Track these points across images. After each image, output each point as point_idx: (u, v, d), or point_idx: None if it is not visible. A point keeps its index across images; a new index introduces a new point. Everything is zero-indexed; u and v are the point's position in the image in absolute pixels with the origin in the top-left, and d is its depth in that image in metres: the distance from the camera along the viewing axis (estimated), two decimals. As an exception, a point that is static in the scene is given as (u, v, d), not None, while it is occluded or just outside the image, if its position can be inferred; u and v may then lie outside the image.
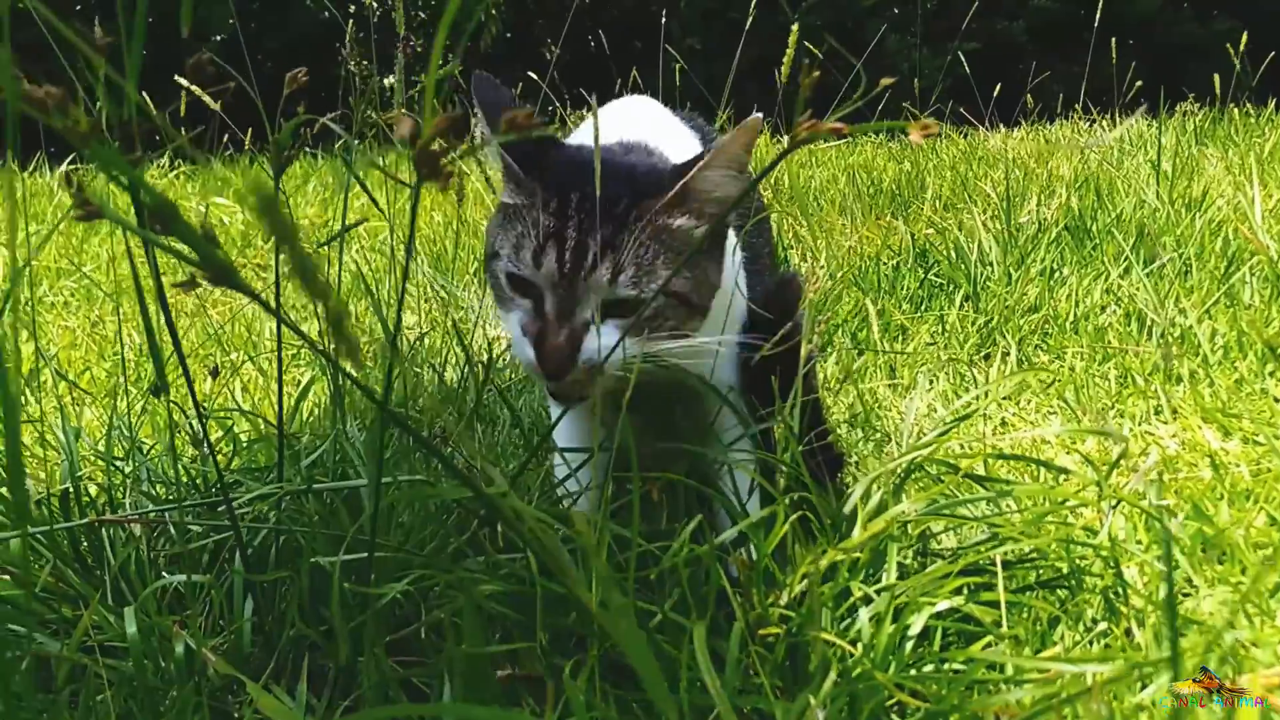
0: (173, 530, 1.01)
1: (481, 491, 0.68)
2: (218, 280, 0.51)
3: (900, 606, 0.88)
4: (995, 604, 0.92)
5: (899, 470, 1.00)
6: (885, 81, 0.66)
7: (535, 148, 1.06)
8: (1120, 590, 0.99)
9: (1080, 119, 5.49)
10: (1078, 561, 1.04)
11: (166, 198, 0.50)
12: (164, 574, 1.01)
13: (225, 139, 5.63)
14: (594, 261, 0.98)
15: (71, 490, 1.04)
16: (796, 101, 0.66)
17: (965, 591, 0.93)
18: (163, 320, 0.73)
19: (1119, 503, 1.10)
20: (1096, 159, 3.62)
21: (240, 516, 0.89)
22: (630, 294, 0.99)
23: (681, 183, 1.01)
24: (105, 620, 0.92)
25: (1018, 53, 8.63)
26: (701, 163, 1.01)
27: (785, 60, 0.87)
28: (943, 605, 0.89)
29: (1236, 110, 5.08)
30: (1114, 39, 4.05)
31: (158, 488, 1.18)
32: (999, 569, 0.91)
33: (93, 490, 1.14)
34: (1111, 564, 1.01)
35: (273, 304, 0.62)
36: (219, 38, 7.82)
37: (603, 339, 0.98)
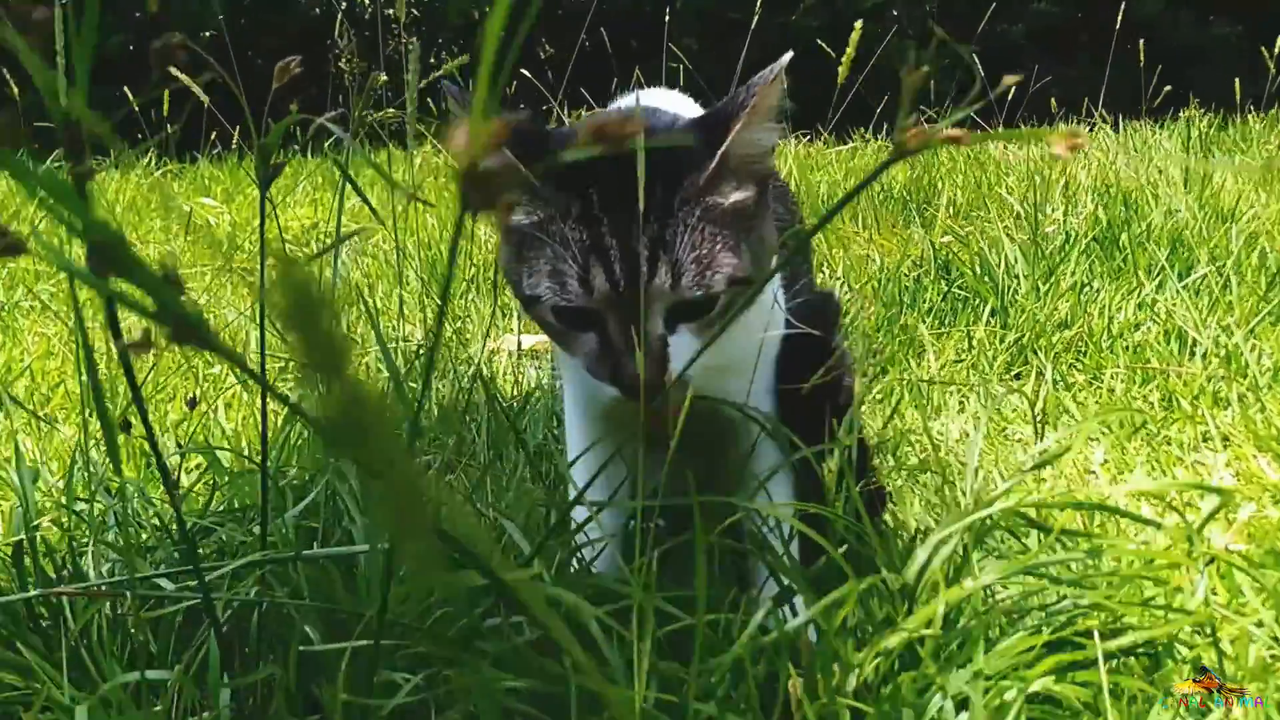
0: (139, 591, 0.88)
1: (503, 580, 0.56)
2: (179, 337, 0.38)
3: (985, 689, 0.76)
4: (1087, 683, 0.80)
5: (975, 526, 0.88)
6: (1009, 80, 0.54)
7: (522, 150, 0.84)
8: (1218, 663, 0.87)
9: (1083, 123, 5.40)
10: (1168, 628, 0.91)
11: (112, 228, 0.37)
12: (132, 632, 0.88)
13: (214, 136, 5.48)
14: (650, 268, 0.85)
15: (26, 543, 0.91)
16: (900, 104, 0.55)
17: (1055, 670, 0.81)
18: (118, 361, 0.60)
19: (1212, 560, 0.97)
20: (1121, 165, 3.52)
21: (217, 583, 0.76)
22: (698, 295, 0.86)
23: (721, 150, 0.88)
24: (59, 704, 0.79)
25: (1017, 56, 8.55)
26: (740, 122, 0.87)
27: (845, 61, 0.76)
28: (1034, 686, 0.77)
29: (1247, 116, 5.00)
30: (1112, 43, 3.97)
31: (127, 531, 1.04)
32: (1098, 643, 0.79)
33: (53, 538, 1.01)
34: (1207, 631, 0.89)
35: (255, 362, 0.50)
36: (208, 34, 7.66)
37: (678, 347, 0.87)
